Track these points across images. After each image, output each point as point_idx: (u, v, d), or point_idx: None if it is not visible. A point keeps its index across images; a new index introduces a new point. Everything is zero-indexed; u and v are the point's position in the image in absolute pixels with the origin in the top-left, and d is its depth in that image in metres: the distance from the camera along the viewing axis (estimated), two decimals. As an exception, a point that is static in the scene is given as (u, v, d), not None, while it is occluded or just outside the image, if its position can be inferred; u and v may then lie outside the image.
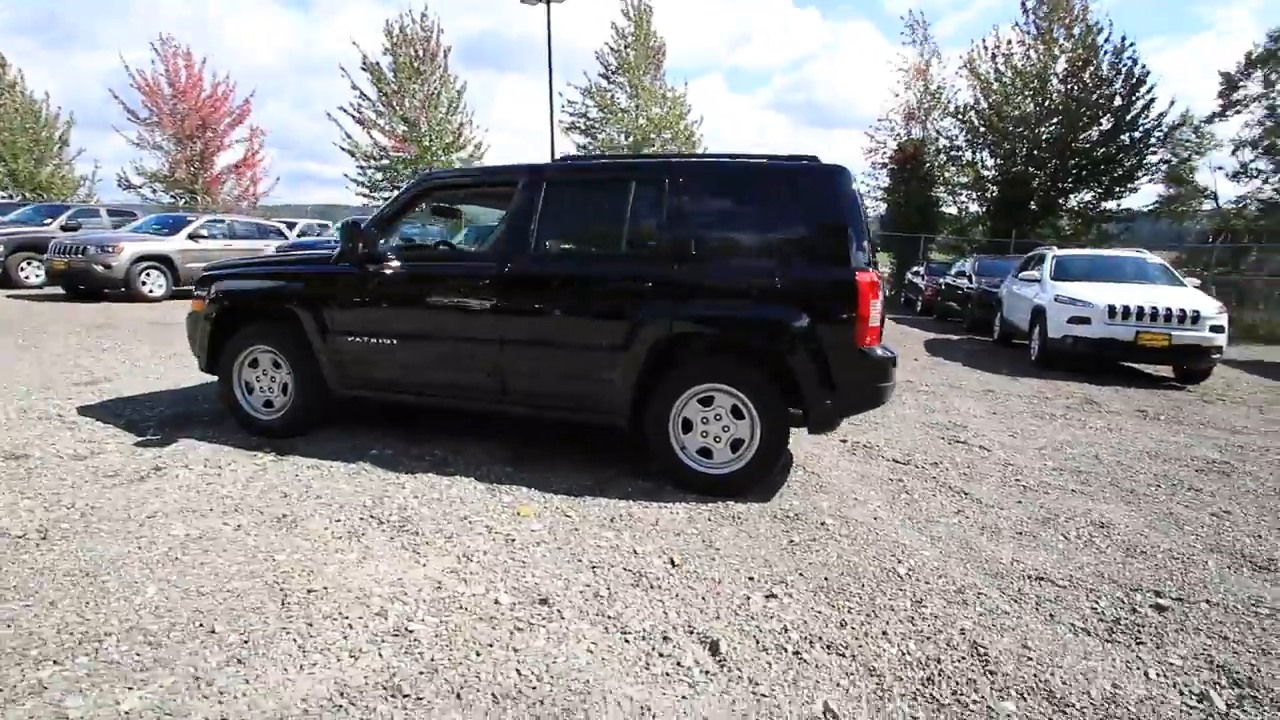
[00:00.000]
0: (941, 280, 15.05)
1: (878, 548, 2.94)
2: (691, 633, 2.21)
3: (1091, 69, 17.21)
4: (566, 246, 3.87)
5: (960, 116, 19.38)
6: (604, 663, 2.03)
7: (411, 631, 2.13)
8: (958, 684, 2.00)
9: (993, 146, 18.60)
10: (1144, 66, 16.79)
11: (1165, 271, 8.94)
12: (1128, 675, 2.08)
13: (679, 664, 2.04)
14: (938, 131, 20.85)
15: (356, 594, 2.35)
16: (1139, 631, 2.33)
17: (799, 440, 4.27)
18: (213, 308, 4.24)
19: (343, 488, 3.36)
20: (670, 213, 3.49)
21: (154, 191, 22.56)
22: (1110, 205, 18.40)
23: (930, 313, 15.73)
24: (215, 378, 4.36)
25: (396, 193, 4.21)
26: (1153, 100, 16.91)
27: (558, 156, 5.59)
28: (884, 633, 2.25)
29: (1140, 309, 7.41)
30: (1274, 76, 23.82)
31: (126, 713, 1.73)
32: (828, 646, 2.15)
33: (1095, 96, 17.02)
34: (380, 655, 2.01)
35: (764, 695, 1.91)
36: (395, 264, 3.94)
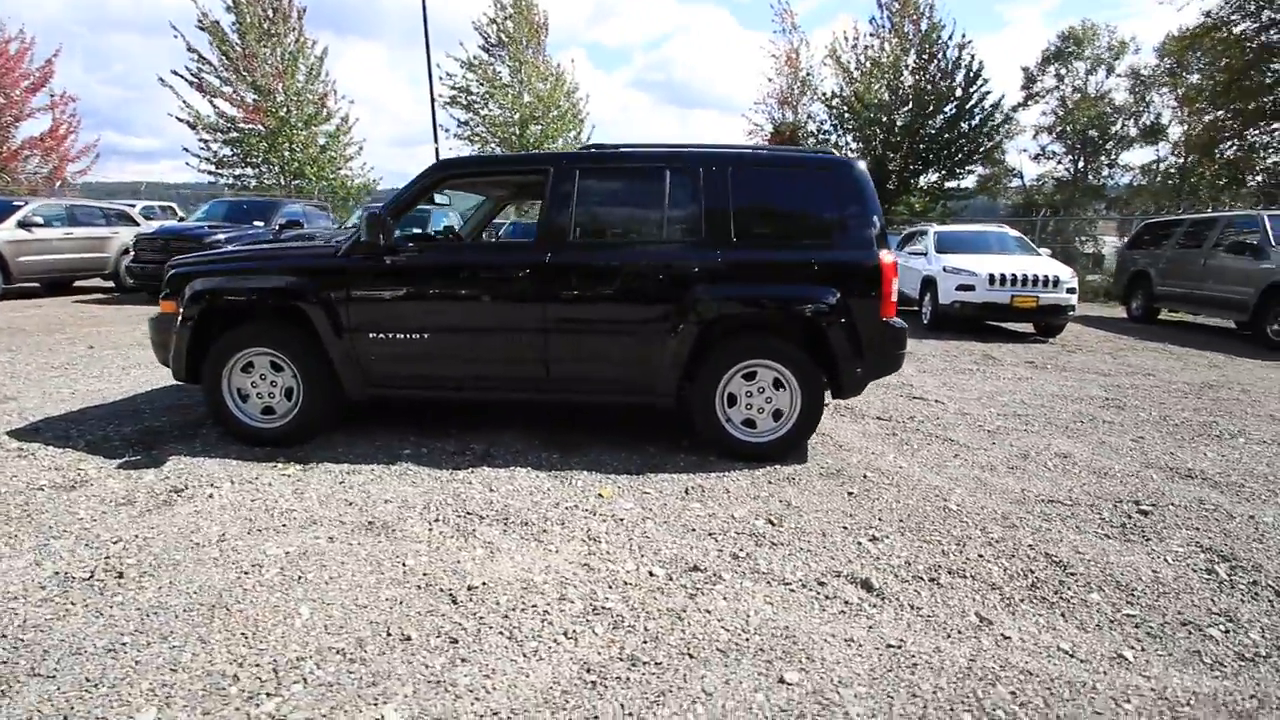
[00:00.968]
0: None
1: (920, 491, 3.43)
2: (839, 576, 2.52)
3: (936, 62, 19.48)
4: (608, 234, 3.95)
5: (827, 103, 21.10)
6: (788, 610, 2.28)
7: (609, 609, 2.24)
8: (1054, 586, 2.49)
9: (855, 131, 20.48)
10: (980, 62, 19.31)
11: (1022, 243, 10.55)
12: (1155, 563, 2.70)
13: (847, 602, 2.34)
14: (809, 116, 22.54)
15: (520, 585, 2.39)
16: (1143, 531, 2.99)
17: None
18: (193, 309, 3.82)
19: (406, 490, 3.27)
20: (711, 201, 3.71)
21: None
22: (952, 184, 21.08)
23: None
24: (141, 388, 3.93)
25: (407, 181, 4.03)
26: (987, 93, 19.54)
27: (579, 147, 5.43)
28: (980, 556, 2.71)
29: (1014, 276, 8.75)
30: (1063, 72, 28.64)
31: (394, 723, 1.72)
32: (949, 572, 2.57)
33: (941, 87, 19.30)
34: (595, 633, 2.11)
35: (928, 615, 2.27)
36: (420, 256, 3.80)
